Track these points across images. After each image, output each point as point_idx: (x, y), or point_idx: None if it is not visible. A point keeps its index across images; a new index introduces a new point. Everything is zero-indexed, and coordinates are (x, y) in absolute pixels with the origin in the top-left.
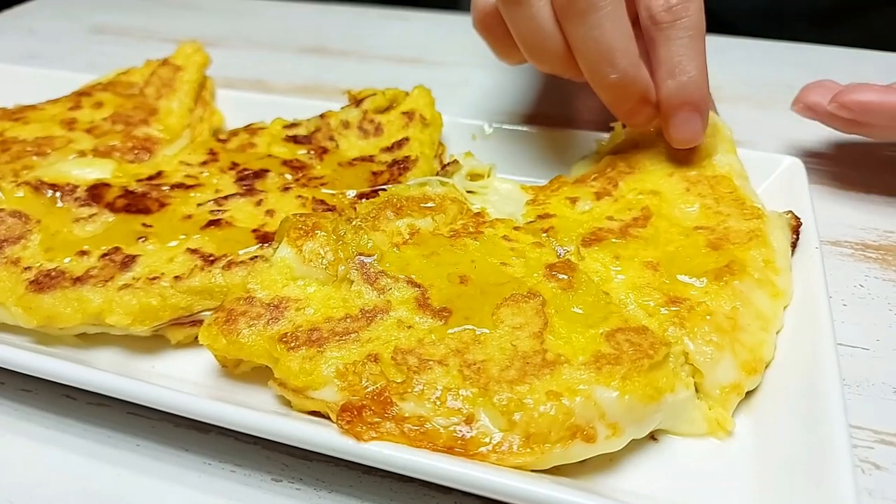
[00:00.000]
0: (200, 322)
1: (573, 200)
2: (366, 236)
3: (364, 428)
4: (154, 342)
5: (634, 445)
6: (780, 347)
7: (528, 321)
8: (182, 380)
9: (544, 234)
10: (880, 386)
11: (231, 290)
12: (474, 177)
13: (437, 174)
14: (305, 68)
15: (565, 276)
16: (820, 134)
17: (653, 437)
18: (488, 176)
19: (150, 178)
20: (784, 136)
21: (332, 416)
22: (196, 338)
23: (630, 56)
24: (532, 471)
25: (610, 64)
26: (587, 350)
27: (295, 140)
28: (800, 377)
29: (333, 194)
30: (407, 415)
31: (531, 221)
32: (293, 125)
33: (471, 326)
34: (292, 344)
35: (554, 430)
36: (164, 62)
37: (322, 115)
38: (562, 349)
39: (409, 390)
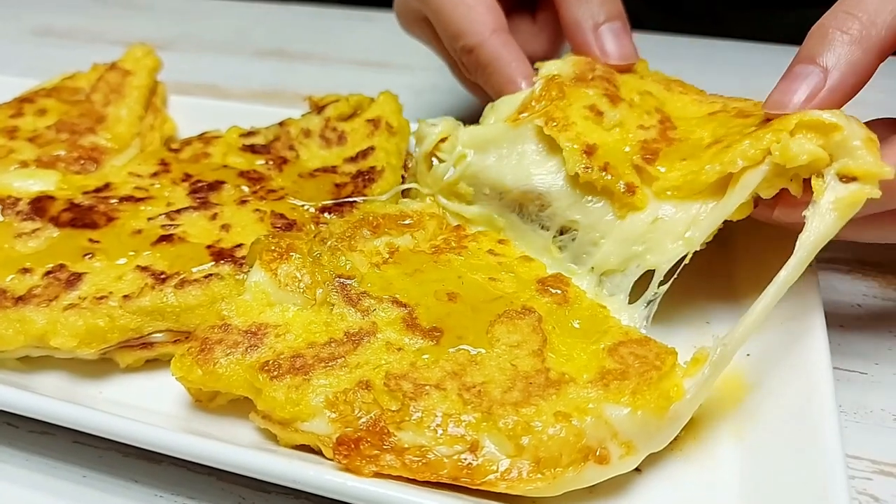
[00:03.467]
0: (151, 345)
1: (596, 112)
2: (343, 257)
3: (363, 462)
4: (101, 366)
5: (618, 477)
6: (772, 372)
7: (526, 339)
8: (132, 406)
9: (604, 174)
10: (879, 413)
11: (201, 317)
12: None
13: (403, 177)
14: (263, 73)
15: (559, 291)
16: None
17: (638, 469)
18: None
19: (98, 190)
20: None
21: (325, 450)
22: (146, 361)
23: None
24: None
25: None
26: (591, 367)
27: (252, 150)
28: (793, 404)
29: (294, 208)
30: (406, 445)
31: (587, 167)
32: (250, 134)
33: (465, 346)
34: (275, 372)
35: (565, 453)
36: (113, 66)
37: (281, 123)
38: (564, 367)
39: (407, 418)
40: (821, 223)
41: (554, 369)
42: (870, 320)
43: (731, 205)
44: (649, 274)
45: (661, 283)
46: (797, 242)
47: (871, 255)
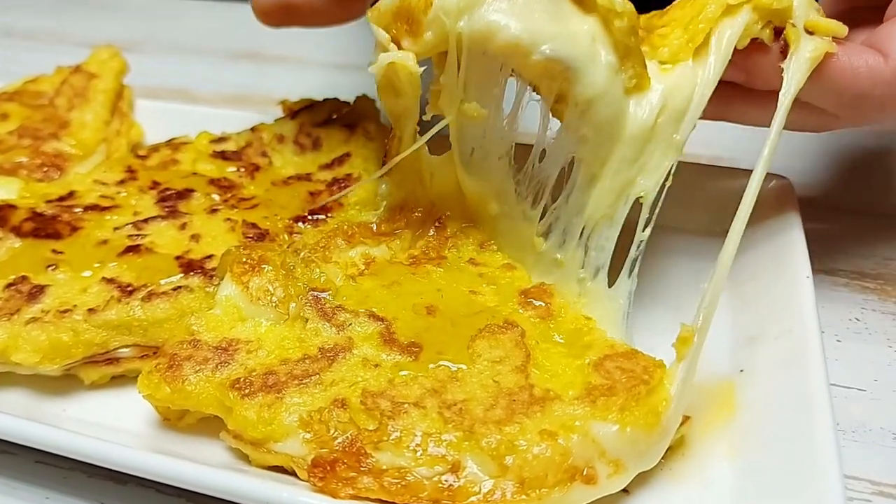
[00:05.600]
0: (117, 360)
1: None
2: (317, 269)
3: (340, 485)
4: (65, 382)
5: (606, 499)
6: (766, 388)
7: (509, 354)
8: (97, 424)
9: (636, 37)
10: (878, 431)
11: (170, 331)
12: None
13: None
14: (235, 76)
15: (542, 304)
16: (811, 147)
17: (626, 490)
18: None
19: (61, 198)
20: None
21: (299, 472)
22: (112, 377)
23: None
24: None
25: None
26: (576, 383)
27: (223, 156)
28: (788, 422)
29: (266, 217)
30: (385, 466)
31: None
32: (221, 139)
33: (446, 362)
34: (247, 390)
35: (551, 473)
36: (77, 69)
37: (253, 129)
38: (549, 383)
39: (385, 438)
40: (799, 70)
41: (538, 386)
42: (868, 334)
43: (719, 65)
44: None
45: (645, 227)
46: (779, 98)
47: (870, 267)
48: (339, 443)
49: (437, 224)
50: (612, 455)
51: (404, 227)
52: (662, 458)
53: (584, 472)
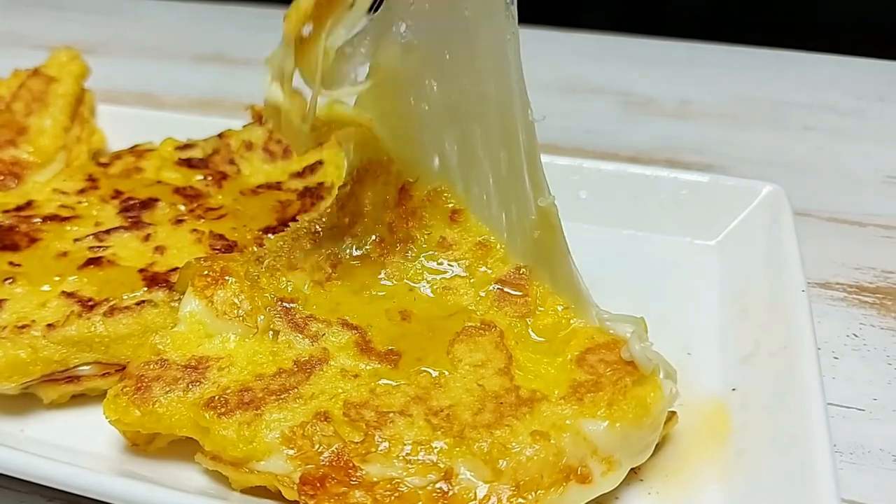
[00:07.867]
0: (77, 378)
1: None
2: (283, 278)
3: (331, 501)
4: (23, 402)
5: None
6: (759, 408)
7: (490, 357)
8: (57, 446)
9: None
10: (877, 453)
11: (133, 348)
12: None
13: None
14: (201, 79)
15: (519, 293)
16: (807, 155)
17: None
18: None
19: (19, 208)
20: (764, 158)
21: (284, 491)
22: (72, 396)
23: None
24: None
25: None
26: (561, 381)
27: (189, 164)
28: (783, 443)
29: (234, 228)
30: (375, 479)
31: None
32: (187, 146)
33: (427, 368)
34: (223, 409)
35: (546, 475)
36: (35, 72)
37: (221, 135)
38: (534, 384)
39: (372, 450)
40: None
41: (524, 387)
42: (867, 351)
43: None
44: None
45: None
46: None
47: (868, 280)
48: (326, 457)
49: (401, 191)
50: (604, 452)
51: (367, 202)
52: (651, 481)
53: (579, 472)
